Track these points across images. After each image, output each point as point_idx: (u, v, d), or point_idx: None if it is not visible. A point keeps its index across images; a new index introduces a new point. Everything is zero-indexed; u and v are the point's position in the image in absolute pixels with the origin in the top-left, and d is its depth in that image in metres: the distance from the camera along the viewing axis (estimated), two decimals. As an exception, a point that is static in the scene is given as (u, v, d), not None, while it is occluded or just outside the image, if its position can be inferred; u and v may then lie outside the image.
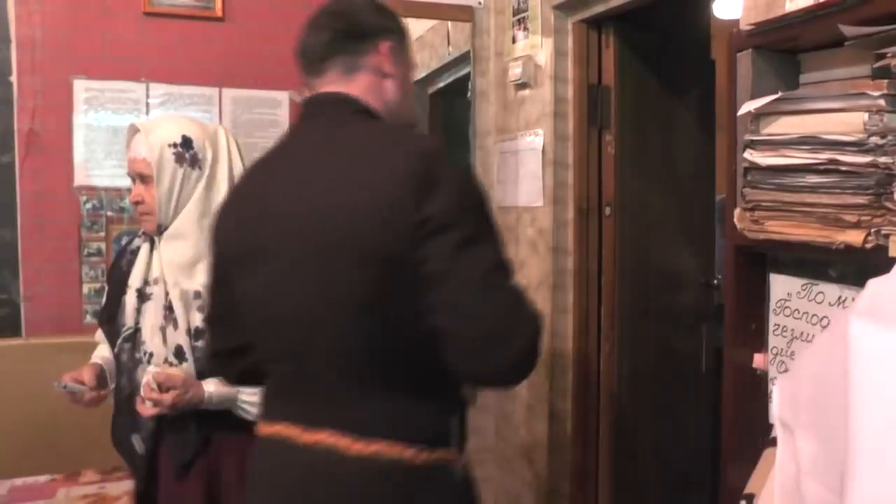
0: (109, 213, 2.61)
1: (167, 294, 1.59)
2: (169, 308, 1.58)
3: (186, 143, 1.60)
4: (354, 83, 1.20)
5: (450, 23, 3.01)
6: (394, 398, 1.11)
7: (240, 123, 2.73)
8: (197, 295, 1.59)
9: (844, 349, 0.68)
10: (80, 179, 2.58)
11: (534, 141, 2.56)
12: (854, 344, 0.67)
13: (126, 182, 1.88)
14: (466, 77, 2.94)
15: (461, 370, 1.09)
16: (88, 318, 2.56)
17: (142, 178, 1.60)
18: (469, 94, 2.91)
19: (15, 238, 2.52)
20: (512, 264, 1.11)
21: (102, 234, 2.61)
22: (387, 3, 1.29)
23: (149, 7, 2.62)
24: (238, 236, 1.21)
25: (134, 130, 1.63)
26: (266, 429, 1.20)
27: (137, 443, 1.60)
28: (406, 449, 1.09)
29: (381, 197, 1.04)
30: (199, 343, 1.57)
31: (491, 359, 1.05)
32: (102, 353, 1.76)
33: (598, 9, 2.39)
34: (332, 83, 1.21)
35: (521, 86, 2.65)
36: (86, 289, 2.60)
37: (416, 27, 4.15)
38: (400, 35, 1.27)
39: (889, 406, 0.64)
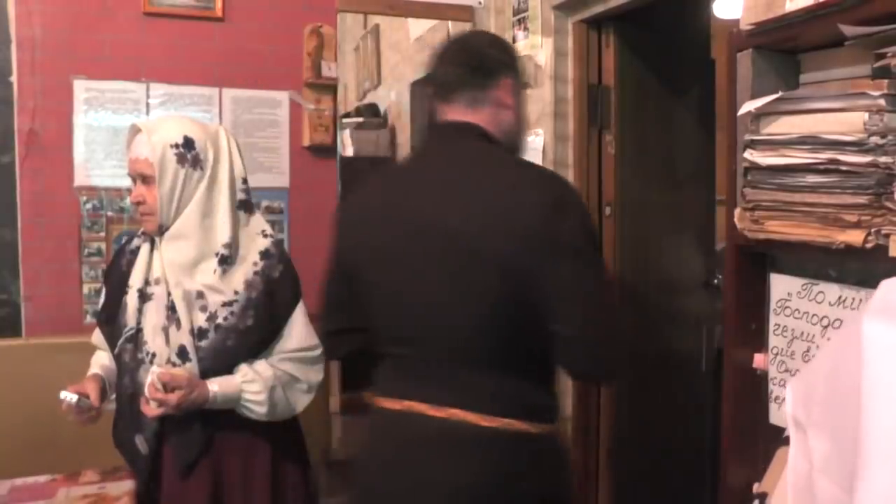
0: (109, 213, 2.61)
1: (169, 294, 1.58)
2: (171, 308, 1.58)
3: (188, 143, 1.60)
4: (479, 113, 1.38)
5: (450, 23, 3.00)
6: (511, 383, 1.31)
7: (240, 123, 2.72)
8: (199, 295, 1.58)
9: (858, 348, 0.68)
10: (80, 179, 2.58)
11: (534, 141, 2.56)
12: (867, 343, 0.68)
13: (126, 182, 1.88)
14: (466, 77, 2.93)
15: (571, 368, 1.36)
16: (88, 318, 2.55)
17: (143, 178, 1.60)
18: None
19: (15, 238, 2.52)
20: (614, 282, 1.32)
21: (102, 234, 2.61)
22: (506, 40, 1.47)
23: (149, 7, 2.62)
24: (375, 236, 1.37)
25: (135, 131, 1.62)
26: (393, 404, 1.35)
27: (141, 443, 1.60)
28: (523, 423, 1.30)
29: (517, 219, 1.24)
30: (203, 343, 1.57)
31: (598, 362, 1.31)
32: (102, 360, 1.75)
33: (598, 9, 2.39)
34: (459, 112, 1.38)
35: (521, 86, 2.64)
36: (86, 289, 2.60)
37: (416, 27, 4.15)
38: (518, 71, 1.46)
39: (902, 405, 0.64)
